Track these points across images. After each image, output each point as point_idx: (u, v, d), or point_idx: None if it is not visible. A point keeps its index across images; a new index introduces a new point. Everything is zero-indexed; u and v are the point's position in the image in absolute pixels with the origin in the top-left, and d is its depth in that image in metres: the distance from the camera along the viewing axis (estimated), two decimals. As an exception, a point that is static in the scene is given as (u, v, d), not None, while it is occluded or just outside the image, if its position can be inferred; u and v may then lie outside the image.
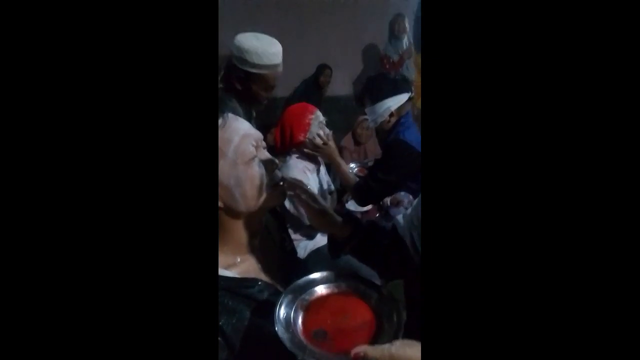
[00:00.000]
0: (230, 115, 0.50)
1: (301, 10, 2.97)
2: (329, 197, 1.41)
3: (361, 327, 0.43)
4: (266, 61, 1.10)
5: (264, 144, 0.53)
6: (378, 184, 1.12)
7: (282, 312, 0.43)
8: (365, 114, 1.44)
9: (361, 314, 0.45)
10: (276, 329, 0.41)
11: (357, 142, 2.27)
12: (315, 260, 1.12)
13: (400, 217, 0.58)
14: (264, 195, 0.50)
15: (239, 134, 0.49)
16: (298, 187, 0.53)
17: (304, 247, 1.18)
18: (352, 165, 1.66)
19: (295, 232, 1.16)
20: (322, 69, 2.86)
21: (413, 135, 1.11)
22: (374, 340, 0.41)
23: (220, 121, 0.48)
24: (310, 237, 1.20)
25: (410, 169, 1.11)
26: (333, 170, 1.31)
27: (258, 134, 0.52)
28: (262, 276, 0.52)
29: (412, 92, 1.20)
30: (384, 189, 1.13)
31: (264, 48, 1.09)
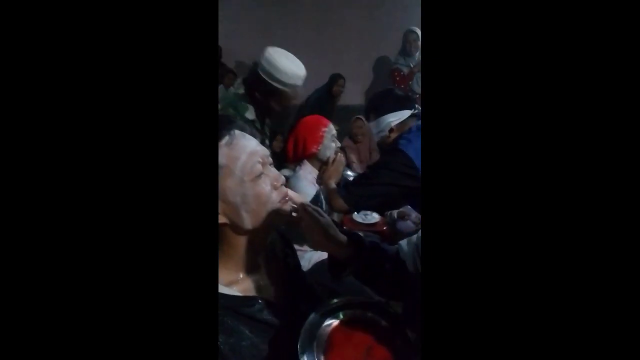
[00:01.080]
0: (237, 132, 0.51)
1: (316, 21, 3.02)
2: (334, 214, 1.39)
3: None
4: (291, 82, 1.20)
5: (270, 160, 0.53)
6: (366, 181, 1.09)
7: (304, 348, 0.43)
8: (360, 114, 1.42)
9: (383, 350, 0.44)
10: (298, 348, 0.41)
11: (354, 141, 2.51)
12: (319, 272, 1.10)
13: (404, 243, 0.57)
14: (271, 213, 0.50)
15: (246, 152, 0.49)
16: (305, 208, 0.52)
17: (309, 258, 1.17)
18: (350, 173, 1.65)
19: (300, 244, 1.15)
20: (336, 78, 2.88)
21: (412, 149, 1.07)
22: None
23: (227, 139, 0.49)
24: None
25: (406, 178, 1.06)
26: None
27: (264, 151, 0.52)
28: (264, 293, 0.52)
29: (415, 109, 1.18)
30: (372, 190, 1.08)
31: (293, 70, 1.20)
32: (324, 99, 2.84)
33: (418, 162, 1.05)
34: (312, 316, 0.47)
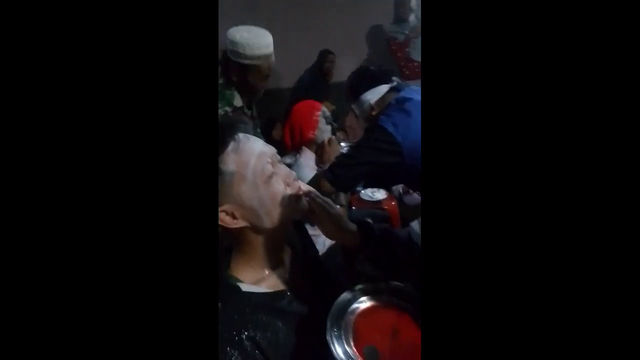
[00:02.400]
0: (242, 135, 0.51)
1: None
2: (342, 195, 1.41)
3: (411, 348, 0.44)
4: (257, 52, 1.18)
5: (278, 157, 0.54)
6: (349, 161, 1.08)
7: (333, 336, 0.44)
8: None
9: (410, 333, 0.45)
10: (331, 349, 0.42)
11: (356, 116, 2.41)
12: (335, 254, 1.13)
13: (415, 224, 0.58)
14: (287, 209, 0.52)
15: (254, 155, 0.50)
16: (315, 201, 0.53)
17: (322, 242, 1.20)
18: (343, 144, 1.63)
19: (312, 227, 1.18)
20: (325, 54, 2.77)
21: (391, 124, 1.05)
22: None
23: (232, 145, 0.49)
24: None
25: (387, 155, 1.04)
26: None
27: (272, 150, 0.53)
28: (290, 286, 0.54)
29: (393, 82, 1.15)
30: (355, 170, 1.07)
31: (254, 40, 1.17)
32: (315, 79, 2.75)
33: (399, 137, 1.04)
34: (336, 303, 0.48)
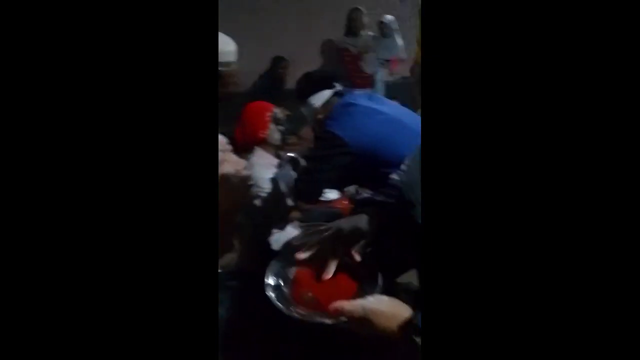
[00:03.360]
0: None
1: (252, 5, 2.88)
2: (289, 195, 1.45)
3: (344, 289, 0.49)
4: (222, 60, 1.14)
5: (229, 147, 0.57)
6: (311, 177, 1.11)
7: (270, 279, 0.49)
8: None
9: (344, 279, 0.51)
10: (266, 291, 0.46)
11: (312, 129, 2.45)
12: (289, 251, 1.15)
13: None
14: (236, 194, 0.54)
15: None
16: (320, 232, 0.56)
17: (277, 239, 1.22)
18: (293, 155, 1.68)
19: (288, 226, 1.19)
20: (278, 61, 2.82)
21: (338, 127, 1.11)
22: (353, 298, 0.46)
23: None
24: (282, 228, 1.24)
25: (340, 157, 1.09)
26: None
27: (222, 138, 0.56)
28: (240, 267, 0.56)
29: (336, 87, 1.22)
30: (319, 186, 1.12)
31: (220, 48, 1.14)
32: (269, 84, 2.77)
33: (347, 138, 1.10)
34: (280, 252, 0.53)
